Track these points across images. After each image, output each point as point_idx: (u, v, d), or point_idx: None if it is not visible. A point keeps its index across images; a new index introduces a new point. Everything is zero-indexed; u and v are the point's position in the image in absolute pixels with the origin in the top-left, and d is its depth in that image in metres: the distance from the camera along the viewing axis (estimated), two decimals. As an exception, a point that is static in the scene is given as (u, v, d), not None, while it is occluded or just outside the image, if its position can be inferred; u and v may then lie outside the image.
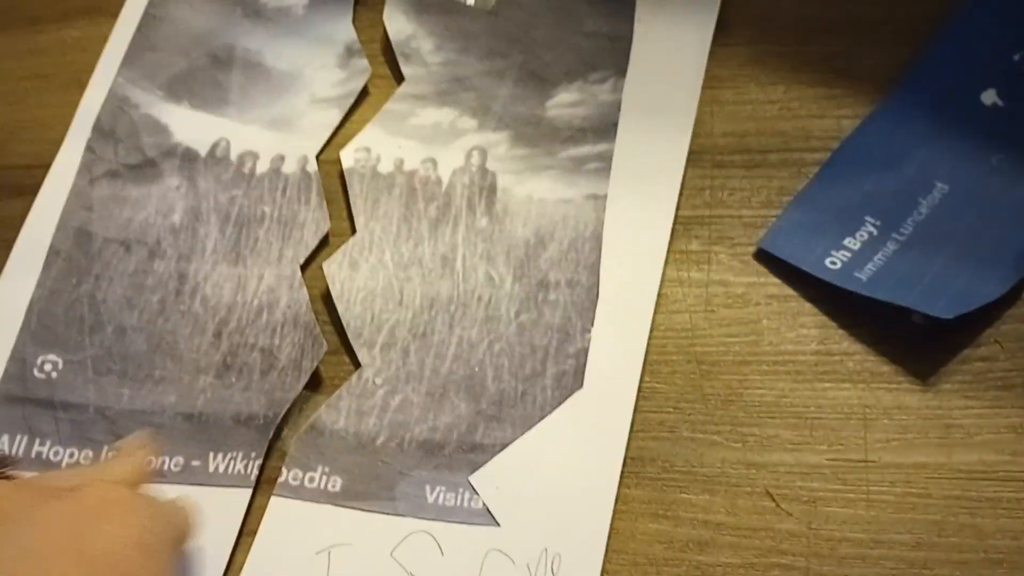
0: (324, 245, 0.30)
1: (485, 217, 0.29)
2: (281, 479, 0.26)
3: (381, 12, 0.33)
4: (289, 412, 0.27)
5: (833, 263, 0.27)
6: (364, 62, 0.32)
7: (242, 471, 0.26)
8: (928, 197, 0.28)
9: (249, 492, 0.26)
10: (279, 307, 0.29)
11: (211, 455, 0.26)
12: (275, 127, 0.32)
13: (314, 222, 0.30)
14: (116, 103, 0.32)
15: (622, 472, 0.25)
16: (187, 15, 0.34)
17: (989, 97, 0.29)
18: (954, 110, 0.29)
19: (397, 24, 0.32)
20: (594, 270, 0.28)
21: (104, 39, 0.34)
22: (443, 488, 0.26)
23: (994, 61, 0.29)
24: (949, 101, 0.29)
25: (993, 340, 0.26)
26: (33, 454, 0.27)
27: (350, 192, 0.30)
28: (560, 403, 0.26)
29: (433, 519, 0.25)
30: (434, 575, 0.24)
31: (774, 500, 0.25)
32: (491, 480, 0.26)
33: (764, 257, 0.28)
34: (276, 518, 0.25)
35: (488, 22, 0.32)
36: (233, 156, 0.31)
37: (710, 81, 0.30)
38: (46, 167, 0.32)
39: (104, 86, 0.33)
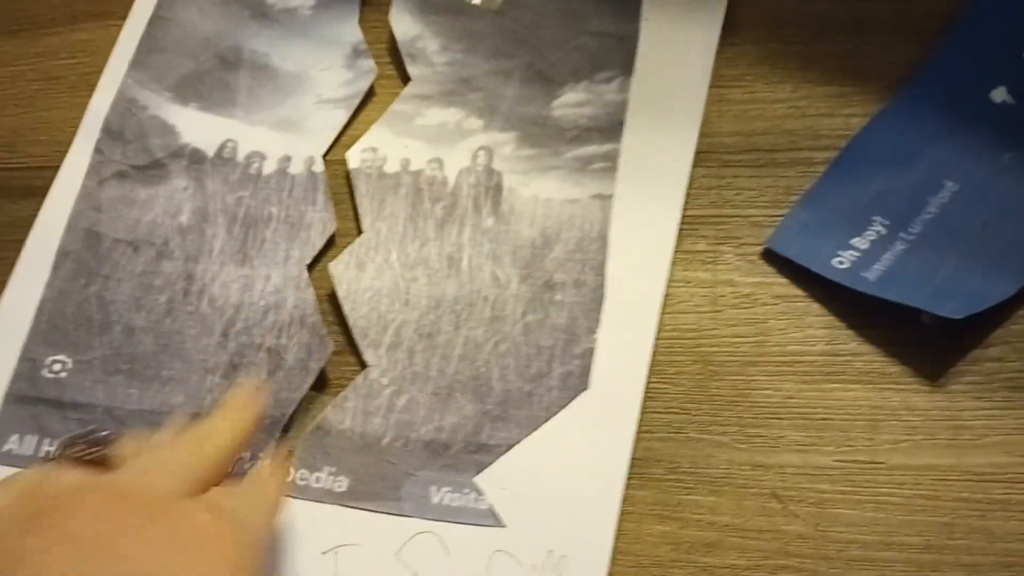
0: (331, 245, 0.30)
1: (491, 217, 0.29)
2: (287, 479, 0.26)
3: (387, 13, 0.33)
4: (295, 412, 0.27)
5: (841, 263, 0.27)
6: (370, 63, 0.32)
7: (248, 471, 0.26)
8: (937, 196, 0.27)
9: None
10: (286, 307, 0.29)
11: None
12: (282, 128, 0.32)
13: (321, 222, 0.30)
14: (125, 105, 0.33)
15: (628, 473, 0.25)
16: (195, 17, 0.34)
17: (999, 95, 0.29)
18: (964, 108, 0.29)
19: (403, 25, 0.32)
20: (600, 270, 0.28)
21: (113, 42, 0.34)
22: (449, 488, 0.26)
23: (1004, 59, 0.29)
24: (959, 99, 0.29)
25: (1003, 340, 0.26)
26: (42, 453, 0.27)
27: (356, 192, 0.30)
28: (566, 404, 0.26)
29: (439, 520, 0.25)
30: None
31: (781, 502, 0.25)
32: (497, 481, 0.25)
33: (771, 257, 0.28)
34: (283, 518, 0.25)
35: (494, 22, 0.32)
36: (240, 157, 0.31)
37: (717, 80, 0.30)
38: (55, 168, 0.32)
39: (113, 88, 0.33)
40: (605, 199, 0.29)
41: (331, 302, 0.29)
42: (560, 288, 0.28)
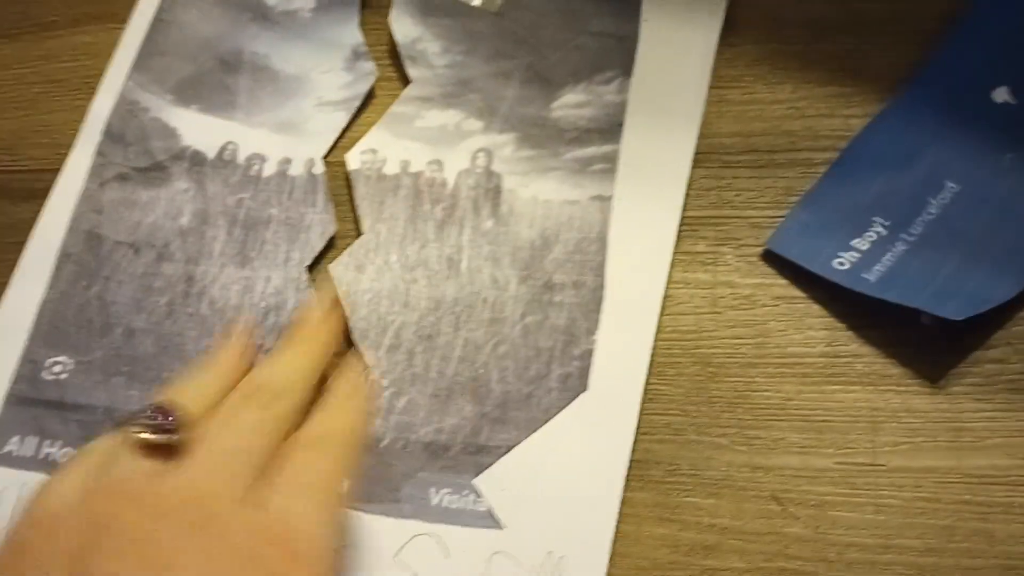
0: (331, 247, 0.30)
1: (491, 219, 0.29)
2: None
3: (387, 15, 0.33)
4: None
5: (841, 264, 0.27)
6: (370, 65, 0.32)
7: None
8: (938, 197, 0.27)
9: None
10: (286, 309, 0.29)
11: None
12: (282, 130, 0.32)
13: (320, 224, 0.30)
14: (126, 107, 0.33)
15: (627, 475, 0.25)
16: (196, 20, 0.34)
17: (1001, 95, 0.28)
18: (965, 108, 0.28)
19: (403, 27, 0.32)
20: (599, 272, 0.28)
21: (114, 44, 0.34)
22: (448, 490, 0.26)
23: (1007, 58, 0.29)
24: (960, 99, 0.29)
25: (1005, 342, 0.26)
26: (42, 455, 0.27)
27: (356, 194, 0.30)
28: (565, 405, 0.26)
29: (438, 521, 0.25)
30: (439, 577, 0.24)
31: (781, 504, 0.25)
32: (496, 482, 0.25)
33: (771, 258, 0.28)
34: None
35: (494, 24, 0.32)
36: (241, 159, 0.32)
37: (717, 81, 0.30)
38: (56, 171, 0.32)
39: (114, 90, 0.33)
40: (604, 200, 0.29)
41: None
42: (559, 289, 0.28)
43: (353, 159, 0.31)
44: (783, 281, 0.27)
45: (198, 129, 0.32)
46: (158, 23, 0.34)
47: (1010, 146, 0.27)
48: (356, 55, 0.33)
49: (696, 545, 0.25)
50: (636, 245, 0.28)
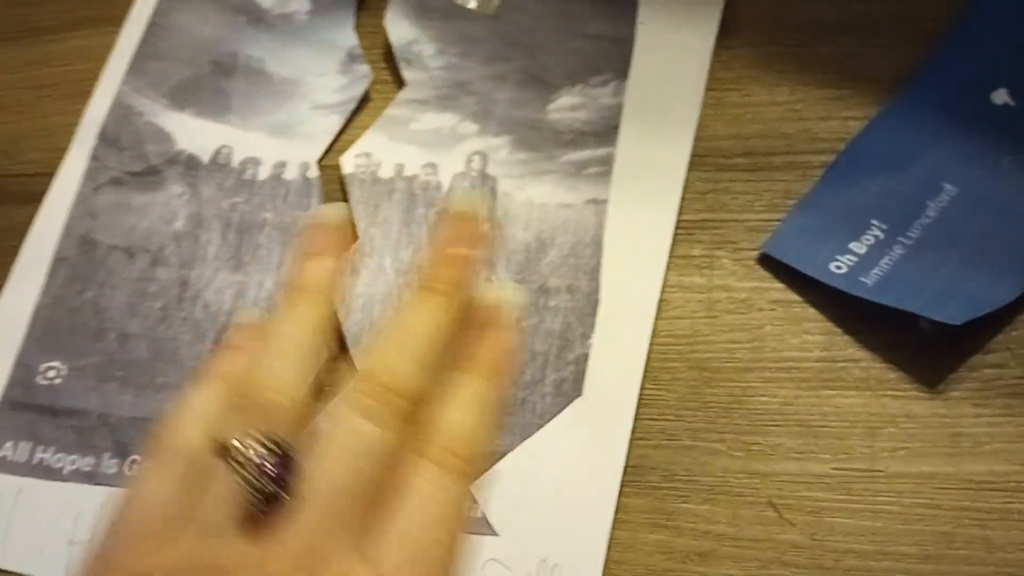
0: (324, 251, 0.30)
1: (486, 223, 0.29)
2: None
3: (383, 17, 0.33)
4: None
5: (838, 267, 0.27)
6: (365, 68, 0.32)
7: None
8: (936, 200, 0.27)
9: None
10: (279, 314, 0.29)
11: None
12: (277, 134, 0.32)
13: (314, 228, 0.30)
14: (121, 111, 0.33)
15: (622, 481, 0.25)
16: (192, 23, 0.34)
17: (1000, 97, 0.28)
18: (964, 110, 0.28)
19: (399, 29, 0.32)
20: (595, 275, 0.28)
21: (110, 48, 0.34)
22: (441, 496, 0.25)
23: (1005, 60, 0.29)
24: (959, 101, 0.28)
25: (1004, 346, 0.25)
26: (35, 460, 0.27)
27: (350, 198, 0.30)
28: (560, 411, 0.26)
29: (431, 527, 0.25)
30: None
31: (777, 510, 0.24)
32: (490, 489, 0.25)
33: (768, 262, 0.28)
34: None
35: (490, 26, 0.32)
36: (235, 163, 0.31)
37: (714, 83, 0.30)
38: (52, 175, 0.32)
39: (109, 95, 0.33)
40: (600, 203, 0.29)
41: (325, 308, 0.29)
42: (554, 293, 0.28)
43: (348, 163, 0.30)
44: (780, 285, 0.27)
45: (193, 133, 0.32)
46: (153, 27, 0.34)
47: (1009, 148, 0.27)
48: (351, 58, 0.33)
49: (691, 552, 0.24)
50: (631, 249, 0.28)
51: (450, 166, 0.30)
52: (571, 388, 0.26)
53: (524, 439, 0.26)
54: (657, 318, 0.27)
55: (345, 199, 0.30)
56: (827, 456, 0.25)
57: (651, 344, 0.27)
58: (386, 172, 0.30)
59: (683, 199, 0.29)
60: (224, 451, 0.17)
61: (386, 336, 0.18)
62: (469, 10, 0.32)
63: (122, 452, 0.27)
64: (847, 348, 0.26)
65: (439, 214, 0.19)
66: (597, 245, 0.28)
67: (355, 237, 0.22)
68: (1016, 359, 0.25)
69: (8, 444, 0.28)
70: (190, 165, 0.32)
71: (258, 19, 0.34)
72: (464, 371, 0.19)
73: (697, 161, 0.29)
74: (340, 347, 0.28)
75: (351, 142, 0.31)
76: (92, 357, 0.28)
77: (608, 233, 0.28)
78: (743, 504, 0.25)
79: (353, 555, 0.16)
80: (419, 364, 0.18)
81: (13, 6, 0.37)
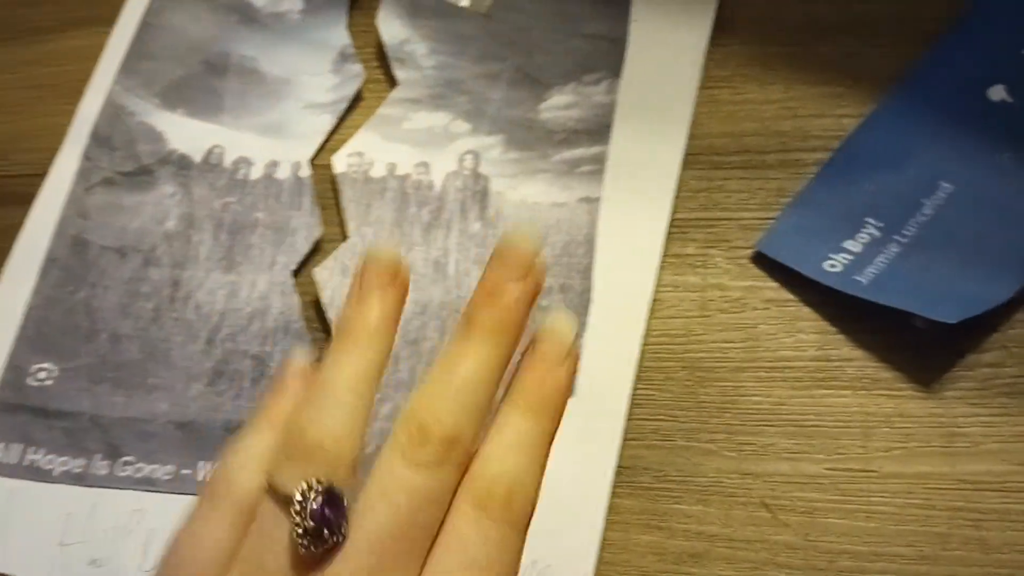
0: (317, 251, 0.30)
1: (478, 221, 0.29)
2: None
3: (375, 17, 0.32)
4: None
5: (833, 266, 0.26)
6: (358, 67, 0.32)
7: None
8: (932, 197, 0.27)
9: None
10: (271, 314, 0.29)
11: (201, 464, 0.26)
12: (269, 133, 0.32)
13: (306, 228, 0.30)
14: (113, 111, 0.33)
15: (614, 481, 0.25)
16: (184, 23, 0.34)
17: (997, 93, 0.28)
18: (960, 107, 0.28)
19: (391, 28, 0.32)
20: (587, 275, 0.27)
21: (103, 48, 0.34)
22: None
23: (1003, 56, 0.28)
24: (955, 98, 0.28)
25: (1000, 345, 0.25)
26: (26, 462, 0.27)
27: (342, 197, 0.30)
28: None
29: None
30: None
31: (771, 511, 0.24)
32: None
33: (762, 260, 0.27)
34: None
35: (483, 25, 0.32)
36: (227, 163, 0.31)
37: (708, 81, 0.30)
38: (44, 176, 0.32)
39: (101, 95, 0.33)
40: (592, 202, 0.28)
41: (316, 308, 0.29)
42: (546, 292, 0.27)
43: (340, 162, 0.30)
44: (774, 284, 0.27)
45: (185, 133, 0.32)
46: (145, 27, 0.34)
47: (1006, 146, 0.27)
48: (344, 57, 0.32)
49: (684, 553, 0.24)
50: (624, 248, 0.28)
51: (443, 165, 0.30)
52: (563, 388, 0.26)
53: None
54: (650, 317, 0.27)
55: (337, 198, 0.30)
56: (821, 456, 0.25)
57: (644, 343, 0.27)
58: (378, 171, 0.30)
59: (677, 197, 0.28)
60: (277, 495, 0.17)
61: (433, 380, 0.18)
62: (461, 9, 0.32)
63: (113, 453, 0.27)
64: (842, 347, 0.26)
65: (494, 247, 0.18)
66: (590, 244, 0.28)
67: (406, 273, 0.19)
68: (1012, 358, 0.25)
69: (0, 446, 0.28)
70: (182, 165, 0.31)
71: (250, 18, 0.34)
72: (512, 407, 0.18)
73: (691, 159, 0.29)
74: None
75: (343, 141, 0.31)
76: (84, 358, 0.28)
77: (601, 232, 0.28)
78: (736, 505, 0.24)
79: None
80: (466, 411, 0.17)
81: (9, 6, 0.37)
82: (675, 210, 0.28)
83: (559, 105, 0.30)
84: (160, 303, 0.29)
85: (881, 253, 0.26)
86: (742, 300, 0.27)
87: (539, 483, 0.18)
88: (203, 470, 0.26)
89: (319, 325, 0.29)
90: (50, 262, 0.30)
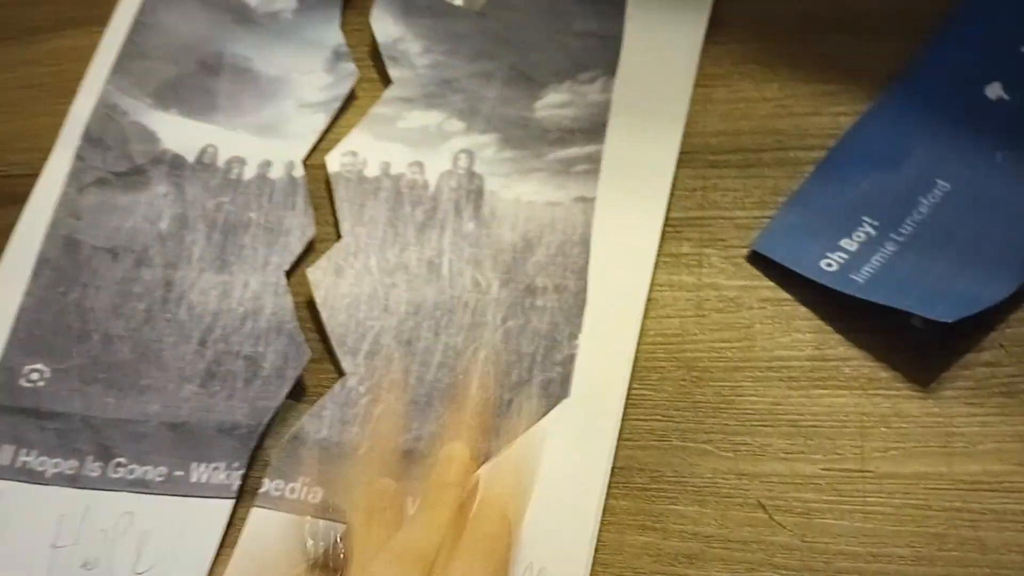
0: (310, 251, 0.30)
1: (472, 221, 0.29)
2: (262, 490, 0.26)
3: (369, 15, 0.32)
4: (272, 421, 0.27)
5: (829, 265, 0.26)
6: (351, 66, 0.32)
7: (224, 481, 0.26)
8: (929, 196, 0.27)
9: (230, 504, 0.26)
10: (264, 314, 0.28)
11: (193, 465, 0.26)
12: (262, 133, 0.31)
13: (300, 228, 0.30)
14: (105, 111, 0.32)
15: (609, 482, 0.25)
16: (177, 22, 0.34)
17: (994, 91, 0.28)
18: (957, 105, 0.28)
19: (384, 27, 0.32)
20: (582, 275, 0.27)
21: (97, 48, 0.34)
22: (425, 500, 0.25)
23: (1000, 53, 0.28)
24: (952, 95, 0.28)
25: (997, 344, 0.25)
26: (18, 464, 0.27)
27: (336, 197, 0.30)
28: (546, 412, 0.26)
29: (417, 530, 0.25)
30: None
31: (767, 512, 0.24)
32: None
33: (757, 259, 0.27)
34: (256, 530, 0.25)
35: (477, 23, 0.32)
36: (221, 162, 0.31)
37: (703, 79, 0.30)
38: (37, 176, 0.32)
39: (94, 94, 0.33)
40: (587, 202, 0.28)
41: (310, 308, 0.29)
42: (541, 293, 0.27)
43: (333, 161, 0.30)
44: (769, 283, 0.27)
45: (178, 132, 0.32)
46: (138, 26, 0.34)
47: (1003, 144, 0.27)
48: (337, 56, 0.32)
49: (679, 554, 0.24)
50: (619, 247, 0.27)
51: (437, 165, 0.30)
52: (558, 389, 0.26)
53: (511, 440, 0.26)
54: (645, 317, 0.27)
55: (331, 198, 0.30)
56: (818, 456, 0.25)
57: (639, 343, 0.26)
58: (372, 171, 0.30)
59: (672, 196, 0.28)
60: None
61: (425, 516, 0.24)
62: (455, 7, 0.32)
63: (105, 455, 0.27)
64: (838, 347, 0.26)
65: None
66: (585, 244, 0.28)
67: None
68: (1010, 357, 0.25)
69: (-9, 447, 0.27)
70: (175, 165, 0.31)
71: (244, 17, 0.33)
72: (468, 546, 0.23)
73: (686, 158, 0.29)
74: (325, 349, 0.28)
75: (337, 141, 0.31)
76: (76, 359, 0.28)
77: (596, 232, 0.28)
78: (732, 505, 0.24)
79: None
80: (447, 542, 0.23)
81: (5, 6, 0.37)
82: (670, 209, 0.28)
83: (554, 104, 0.30)
84: (152, 303, 0.29)
85: (877, 252, 0.26)
86: (738, 299, 0.27)
87: None
88: (195, 472, 0.26)
89: (312, 325, 0.29)
90: (42, 263, 0.30)
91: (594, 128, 0.29)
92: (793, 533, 0.24)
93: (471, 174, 0.29)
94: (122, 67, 0.33)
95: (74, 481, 0.26)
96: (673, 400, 0.26)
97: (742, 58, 0.30)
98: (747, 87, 0.30)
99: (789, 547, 0.24)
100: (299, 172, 0.31)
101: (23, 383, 0.28)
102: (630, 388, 0.26)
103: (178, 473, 0.26)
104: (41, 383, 0.28)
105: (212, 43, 0.33)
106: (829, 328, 0.26)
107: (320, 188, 0.31)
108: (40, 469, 0.27)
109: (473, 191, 0.29)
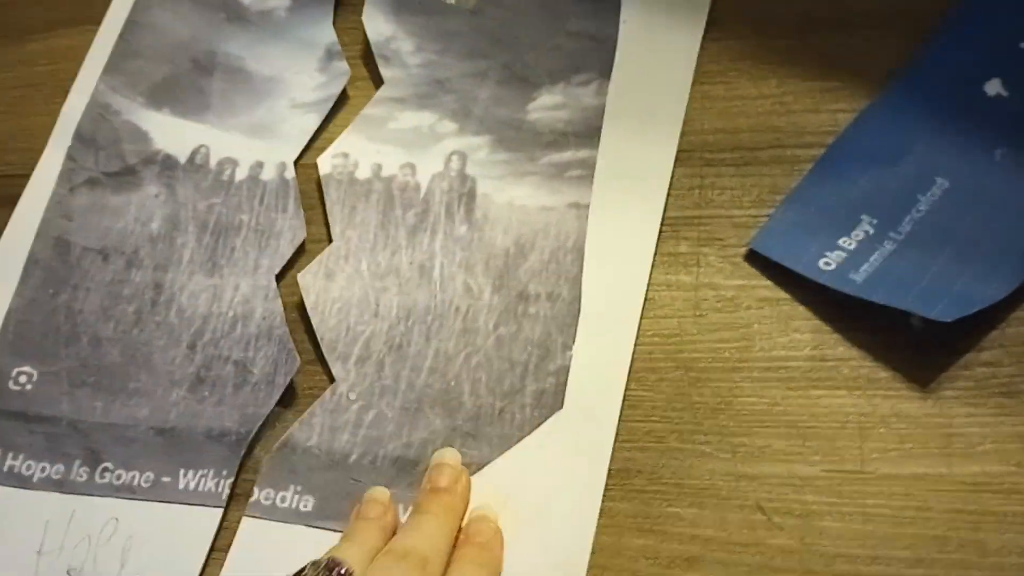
0: (301, 253, 0.29)
1: (464, 224, 0.28)
2: (253, 498, 0.25)
3: (361, 13, 0.32)
4: (261, 429, 0.27)
5: (827, 264, 0.26)
6: (343, 65, 0.32)
7: (213, 489, 0.26)
8: (928, 194, 0.26)
9: (219, 512, 0.25)
10: (254, 319, 0.28)
11: (182, 472, 0.26)
12: (255, 133, 0.31)
13: (291, 231, 0.29)
14: (97, 110, 0.32)
15: (607, 484, 0.25)
16: (170, 21, 0.33)
17: (993, 87, 0.28)
18: (956, 102, 0.28)
19: (376, 25, 0.32)
20: (576, 283, 0.27)
21: (90, 47, 0.34)
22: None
23: (999, 49, 0.28)
24: (951, 92, 0.28)
25: (997, 344, 0.25)
26: (6, 467, 0.27)
27: (327, 199, 0.29)
28: (540, 423, 0.25)
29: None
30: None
31: (765, 514, 0.24)
32: (471, 500, 0.25)
33: (755, 259, 0.27)
34: (247, 539, 0.25)
35: (470, 22, 0.31)
36: (213, 163, 0.31)
37: (700, 76, 0.29)
38: (29, 176, 0.32)
39: (86, 94, 0.32)
40: (581, 208, 0.28)
41: (300, 312, 0.28)
42: (534, 300, 0.27)
43: (324, 163, 0.30)
44: (768, 282, 0.27)
45: (170, 132, 0.31)
46: (131, 25, 0.33)
47: (1002, 141, 0.27)
48: (330, 55, 0.32)
49: (678, 557, 0.24)
50: (614, 257, 0.27)
51: (429, 167, 0.29)
52: (552, 400, 0.26)
53: (503, 451, 0.25)
54: (643, 317, 0.27)
55: (322, 200, 0.30)
56: (817, 458, 0.24)
57: (636, 344, 0.26)
58: (363, 173, 0.30)
59: (669, 196, 0.28)
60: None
61: (421, 522, 0.24)
62: (448, 5, 0.32)
63: (92, 459, 0.26)
64: (837, 347, 0.26)
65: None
66: (579, 252, 0.27)
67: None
68: (1010, 357, 0.25)
69: (-21, 453, 0.27)
70: (167, 165, 0.31)
71: (237, 16, 0.33)
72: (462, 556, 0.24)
73: (683, 156, 0.28)
74: (316, 353, 0.28)
75: (329, 141, 0.30)
76: (64, 362, 0.28)
77: (590, 236, 0.27)
78: (731, 508, 0.24)
79: None
80: (445, 546, 0.24)
81: (1, 6, 0.36)
82: (667, 208, 0.28)
83: (547, 105, 0.30)
84: (142, 306, 0.29)
85: (876, 251, 0.26)
86: (736, 299, 0.27)
87: None
88: (183, 478, 0.26)
89: (304, 329, 0.28)
90: (32, 264, 0.30)
91: (588, 132, 0.29)
92: (792, 535, 0.24)
93: (463, 176, 0.29)
94: (115, 66, 0.33)
95: (61, 486, 0.26)
96: (671, 401, 0.26)
97: (740, 55, 0.30)
98: (745, 84, 0.29)
99: (788, 549, 0.23)
100: (291, 173, 0.30)
101: (11, 386, 0.28)
102: (627, 389, 0.26)
103: (166, 479, 0.26)
104: (29, 386, 0.28)
105: (205, 42, 0.33)
106: (828, 328, 0.26)
107: (311, 190, 0.30)
108: (27, 473, 0.26)
109: (465, 194, 0.29)
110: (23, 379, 0.28)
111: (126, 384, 0.27)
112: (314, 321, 0.28)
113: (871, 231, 0.26)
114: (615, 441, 0.25)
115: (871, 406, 0.25)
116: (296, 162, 0.31)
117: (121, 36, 0.33)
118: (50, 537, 0.25)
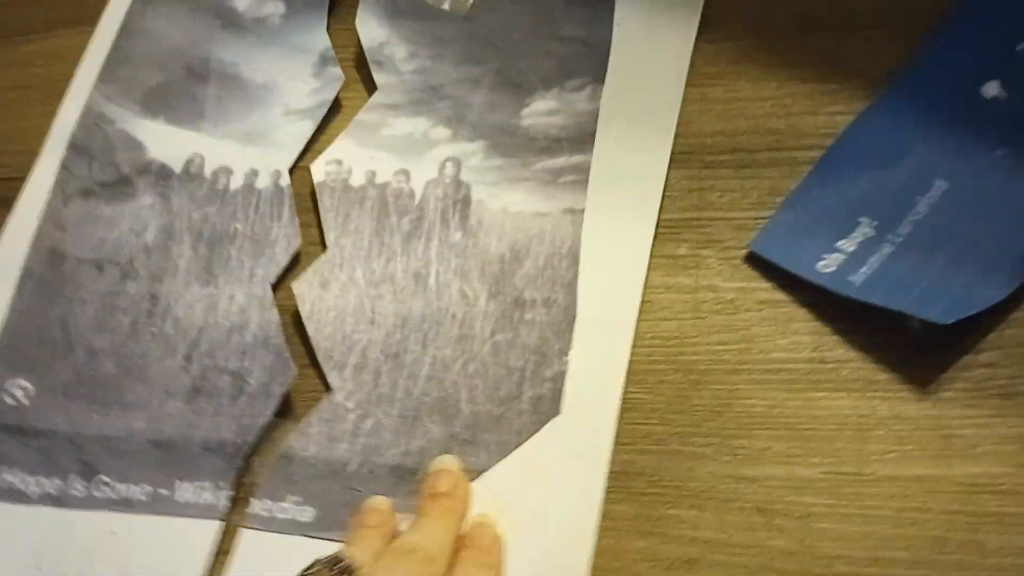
0: (295, 261, 0.29)
1: (459, 231, 0.28)
2: (251, 510, 0.25)
3: (355, 19, 0.32)
4: (259, 439, 0.26)
5: (826, 266, 0.26)
6: (337, 71, 0.31)
7: (210, 501, 0.26)
8: (927, 195, 0.26)
9: (217, 524, 0.25)
10: (249, 328, 0.28)
11: (178, 484, 0.26)
12: (249, 141, 0.31)
13: (285, 239, 0.29)
14: (92, 119, 0.32)
15: (607, 487, 0.25)
16: (164, 27, 0.33)
17: (991, 89, 0.27)
18: (954, 104, 0.27)
19: (369, 30, 0.31)
20: (571, 289, 0.27)
21: (85, 50, 0.33)
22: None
23: (997, 51, 0.28)
24: (949, 94, 0.28)
25: (996, 346, 0.25)
26: (3, 484, 0.27)
27: (320, 207, 0.29)
28: (537, 429, 0.25)
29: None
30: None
31: (766, 516, 0.24)
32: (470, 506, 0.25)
33: (755, 261, 0.27)
34: (247, 551, 0.25)
35: (463, 27, 0.31)
36: (207, 172, 0.31)
37: (698, 78, 0.29)
38: (25, 179, 0.31)
39: (80, 102, 0.32)
40: (576, 214, 0.28)
41: (295, 321, 0.28)
42: (530, 306, 0.27)
43: (318, 170, 0.30)
44: (767, 284, 0.27)
45: (164, 141, 0.31)
46: (126, 31, 0.33)
47: (1001, 142, 0.26)
48: (323, 61, 0.32)
49: (678, 559, 0.24)
50: (609, 262, 0.27)
51: (423, 173, 0.29)
52: (548, 407, 0.26)
53: (501, 458, 0.25)
54: (641, 320, 0.26)
55: (316, 208, 0.30)
56: (816, 460, 0.24)
57: (635, 346, 0.26)
58: (357, 180, 0.29)
59: (667, 198, 0.28)
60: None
61: (425, 523, 0.25)
62: (442, 11, 0.32)
63: (88, 472, 0.26)
64: (836, 349, 0.25)
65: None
66: (574, 258, 0.27)
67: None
68: (1008, 359, 0.25)
69: (-26, 467, 0.27)
70: (161, 175, 0.31)
71: (232, 22, 0.33)
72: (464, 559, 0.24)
73: (682, 159, 0.28)
74: (312, 362, 0.28)
75: (323, 148, 0.30)
76: (59, 374, 0.28)
77: (585, 245, 0.27)
78: (731, 510, 0.24)
79: None
80: (448, 546, 0.24)
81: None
82: (666, 211, 0.28)
83: (541, 111, 0.29)
84: (138, 317, 0.28)
85: (875, 253, 0.26)
86: (735, 301, 0.27)
87: None
88: (180, 490, 0.26)
89: (300, 339, 0.28)
90: (26, 276, 0.30)
91: (582, 138, 0.29)
92: (792, 537, 0.24)
93: (458, 182, 0.29)
94: (109, 74, 0.33)
95: (58, 501, 0.26)
96: (670, 403, 0.26)
97: (738, 57, 0.30)
98: (743, 86, 0.29)
99: (788, 551, 0.23)
100: (285, 181, 0.30)
101: (7, 399, 0.28)
102: (626, 391, 0.26)
103: (163, 492, 0.26)
104: (25, 400, 0.28)
105: (199, 49, 0.32)
106: (827, 330, 0.26)
107: (306, 197, 0.30)
108: (23, 488, 0.26)
109: (460, 200, 0.29)
110: (18, 392, 0.28)
111: (122, 396, 0.27)
112: (310, 330, 0.27)
113: (870, 233, 0.26)
114: (615, 444, 0.25)
115: (870, 408, 0.25)
116: (291, 170, 0.30)
117: (115, 42, 0.33)
118: (48, 553, 0.25)
